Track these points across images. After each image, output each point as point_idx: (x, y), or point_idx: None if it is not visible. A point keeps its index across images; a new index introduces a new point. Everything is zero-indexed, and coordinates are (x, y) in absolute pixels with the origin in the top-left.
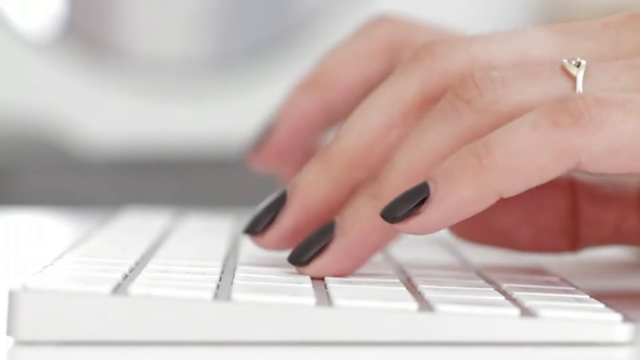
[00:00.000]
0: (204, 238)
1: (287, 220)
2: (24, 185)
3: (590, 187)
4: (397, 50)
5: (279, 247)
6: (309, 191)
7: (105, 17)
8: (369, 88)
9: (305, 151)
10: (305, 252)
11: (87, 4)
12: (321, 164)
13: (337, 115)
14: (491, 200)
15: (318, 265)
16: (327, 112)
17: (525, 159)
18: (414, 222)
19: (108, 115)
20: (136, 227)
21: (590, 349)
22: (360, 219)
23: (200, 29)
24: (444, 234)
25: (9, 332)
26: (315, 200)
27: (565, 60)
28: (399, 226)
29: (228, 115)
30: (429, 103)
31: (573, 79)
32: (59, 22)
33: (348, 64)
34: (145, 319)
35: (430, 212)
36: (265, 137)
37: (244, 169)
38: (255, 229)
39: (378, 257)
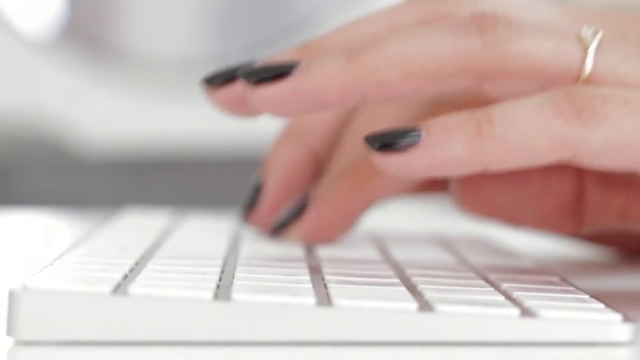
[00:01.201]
0: (204, 238)
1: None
2: (24, 185)
3: (598, 170)
4: None
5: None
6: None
7: (105, 17)
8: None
9: None
10: (260, 72)
11: (87, 4)
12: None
13: (322, 161)
14: (476, 168)
15: (264, 91)
16: (313, 156)
17: (522, 139)
18: (395, 159)
19: (108, 115)
20: (136, 227)
21: (590, 349)
22: (325, 72)
23: (200, 29)
24: (444, 232)
25: (9, 332)
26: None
27: (583, 29)
28: (379, 158)
29: (228, 116)
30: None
31: (585, 48)
32: (59, 22)
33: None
34: (145, 319)
35: (414, 156)
36: (257, 196)
37: (244, 169)
38: (250, 73)
39: (378, 257)
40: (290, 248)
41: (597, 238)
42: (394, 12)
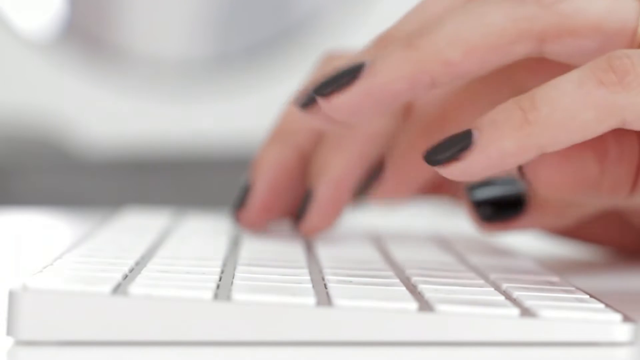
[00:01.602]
0: (204, 238)
1: (354, 93)
2: (24, 185)
3: None
4: None
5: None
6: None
7: (105, 17)
8: None
9: (287, 202)
10: (329, 84)
11: (87, 4)
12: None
13: (309, 156)
14: (533, 154)
15: (338, 100)
16: (301, 157)
17: (569, 116)
18: (455, 167)
19: (108, 115)
20: (136, 227)
21: (590, 349)
22: (390, 65)
23: (200, 29)
24: (444, 232)
25: (9, 332)
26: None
27: None
28: (440, 170)
29: (228, 116)
30: None
31: None
32: (59, 22)
33: None
34: (145, 319)
35: (471, 159)
36: (246, 196)
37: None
38: (323, 91)
39: (378, 257)
40: (290, 248)
41: (598, 236)
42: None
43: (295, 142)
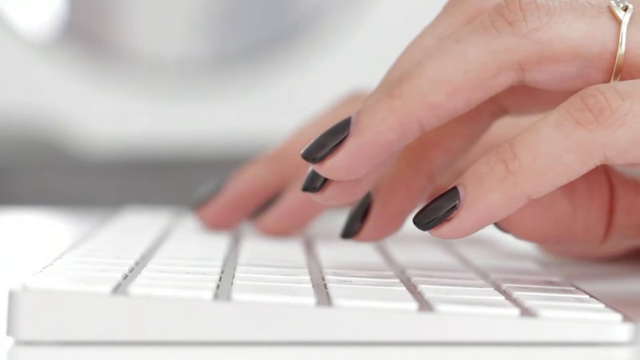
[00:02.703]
0: (204, 238)
1: (349, 150)
2: (24, 185)
3: (620, 172)
4: None
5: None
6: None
7: (105, 17)
8: None
9: (246, 216)
10: (319, 149)
11: (87, 4)
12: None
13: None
14: (520, 203)
15: (332, 163)
16: (279, 184)
17: (551, 161)
18: (446, 228)
19: (108, 115)
20: (136, 227)
21: (590, 349)
22: (376, 118)
23: (200, 29)
24: None
25: (9, 332)
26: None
27: (612, 2)
28: (432, 232)
29: (227, 116)
30: None
31: (618, 22)
32: (59, 22)
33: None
34: (145, 319)
35: (461, 218)
36: (213, 193)
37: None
38: (315, 155)
39: (378, 257)
40: (290, 248)
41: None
42: (441, 29)
43: (281, 170)
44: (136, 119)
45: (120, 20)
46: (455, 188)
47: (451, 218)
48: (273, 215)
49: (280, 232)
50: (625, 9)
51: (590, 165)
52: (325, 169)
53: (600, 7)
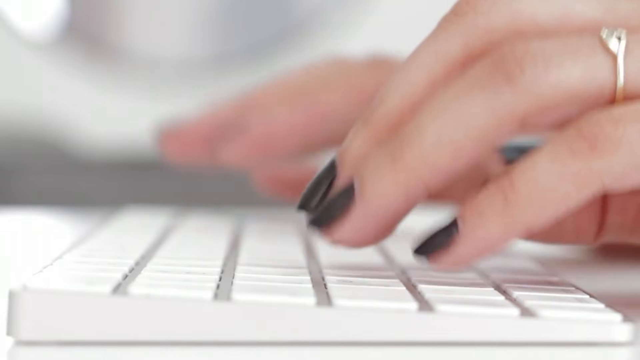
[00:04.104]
0: (204, 238)
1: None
2: (24, 185)
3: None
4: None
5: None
6: (359, 158)
7: (105, 17)
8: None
9: (209, 157)
10: (325, 217)
11: (87, 4)
12: (366, 128)
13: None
14: (519, 234)
15: (341, 234)
16: (244, 115)
17: (548, 192)
18: (445, 259)
19: (108, 115)
20: (136, 227)
21: (590, 349)
22: (381, 186)
23: (200, 29)
24: None
25: (9, 332)
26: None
27: (604, 34)
28: (429, 262)
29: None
30: (472, 60)
31: (613, 56)
32: (59, 22)
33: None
34: (145, 319)
35: (459, 249)
36: (179, 124)
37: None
38: (309, 203)
39: (378, 258)
40: (290, 248)
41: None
42: (438, 45)
43: (246, 106)
44: (136, 119)
45: (120, 20)
46: (454, 221)
47: (449, 249)
48: (237, 144)
49: (246, 164)
50: (619, 38)
51: (588, 194)
52: (335, 240)
53: (593, 43)
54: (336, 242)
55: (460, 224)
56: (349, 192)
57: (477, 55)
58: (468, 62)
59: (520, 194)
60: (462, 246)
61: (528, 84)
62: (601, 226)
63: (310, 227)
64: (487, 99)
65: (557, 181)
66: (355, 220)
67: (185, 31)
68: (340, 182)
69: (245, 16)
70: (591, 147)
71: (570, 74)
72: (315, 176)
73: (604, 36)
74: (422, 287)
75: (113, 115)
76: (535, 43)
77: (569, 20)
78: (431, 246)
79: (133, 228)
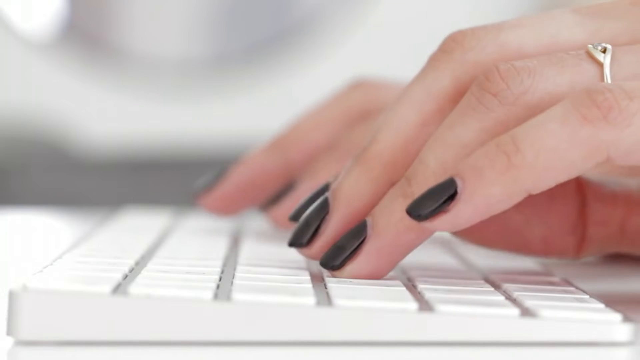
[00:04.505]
0: (204, 238)
1: (332, 228)
2: (24, 185)
3: (597, 184)
4: (368, 114)
5: None
6: (352, 196)
7: (105, 17)
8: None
9: (252, 201)
10: (337, 255)
11: (87, 4)
12: (360, 166)
13: (296, 172)
14: (520, 197)
15: (352, 268)
16: (285, 170)
17: (555, 156)
18: (442, 219)
19: (108, 115)
20: (136, 227)
21: (590, 349)
22: (392, 219)
23: (200, 29)
24: (444, 234)
25: (9, 332)
26: (358, 204)
27: (590, 46)
28: (426, 224)
29: (228, 115)
30: (462, 95)
31: (600, 65)
32: (59, 22)
33: (315, 129)
34: (145, 319)
35: (458, 210)
36: (218, 179)
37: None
38: (300, 240)
39: None
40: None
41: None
42: (428, 82)
43: (286, 155)
44: (136, 119)
45: (120, 20)
46: (451, 179)
47: (448, 210)
48: (285, 206)
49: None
50: (604, 51)
51: (592, 163)
52: (345, 274)
53: (579, 55)
54: (349, 276)
55: (459, 184)
56: (362, 227)
57: (467, 90)
58: (458, 97)
59: (526, 156)
60: (462, 208)
61: (516, 96)
62: (583, 239)
63: (321, 265)
64: (479, 121)
65: (565, 146)
66: (368, 254)
67: (185, 31)
68: (344, 221)
69: (245, 16)
70: (604, 117)
71: (557, 83)
72: (306, 214)
73: (590, 48)
74: (422, 287)
75: (113, 115)
76: (519, 61)
77: (556, 47)
78: (427, 207)
79: (133, 228)
